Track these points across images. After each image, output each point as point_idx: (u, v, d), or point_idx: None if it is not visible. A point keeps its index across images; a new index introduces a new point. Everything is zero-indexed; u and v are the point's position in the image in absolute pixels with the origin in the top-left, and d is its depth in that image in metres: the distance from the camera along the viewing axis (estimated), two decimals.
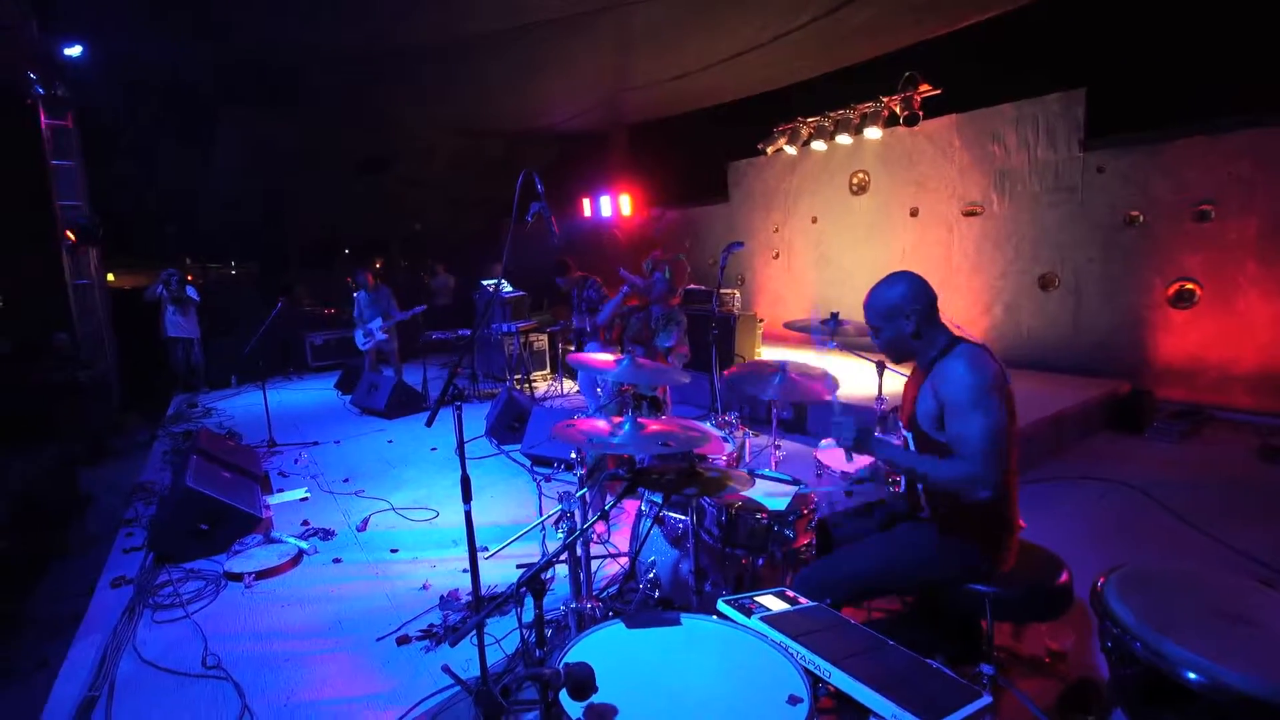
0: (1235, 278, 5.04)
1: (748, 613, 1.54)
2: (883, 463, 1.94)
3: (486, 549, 3.45)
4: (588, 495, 2.11)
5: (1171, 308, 5.38)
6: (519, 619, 1.71)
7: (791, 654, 1.37)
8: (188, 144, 8.61)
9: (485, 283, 8.41)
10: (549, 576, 2.91)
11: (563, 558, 2.22)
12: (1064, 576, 1.87)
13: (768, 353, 6.93)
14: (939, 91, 6.32)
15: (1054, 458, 4.59)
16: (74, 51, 6.55)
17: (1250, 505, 3.73)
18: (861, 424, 1.96)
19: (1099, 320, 5.80)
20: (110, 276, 10.11)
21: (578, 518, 2.01)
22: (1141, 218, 5.45)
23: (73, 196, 7.45)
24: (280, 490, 4.61)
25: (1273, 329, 4.91)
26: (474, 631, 1.74)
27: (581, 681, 1.04)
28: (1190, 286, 5.27)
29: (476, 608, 2.16)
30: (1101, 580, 1.42)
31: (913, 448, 1.96)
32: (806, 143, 7.52)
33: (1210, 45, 4.97)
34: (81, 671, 2.62)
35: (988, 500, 1.72)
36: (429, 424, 2.05)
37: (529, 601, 1.52)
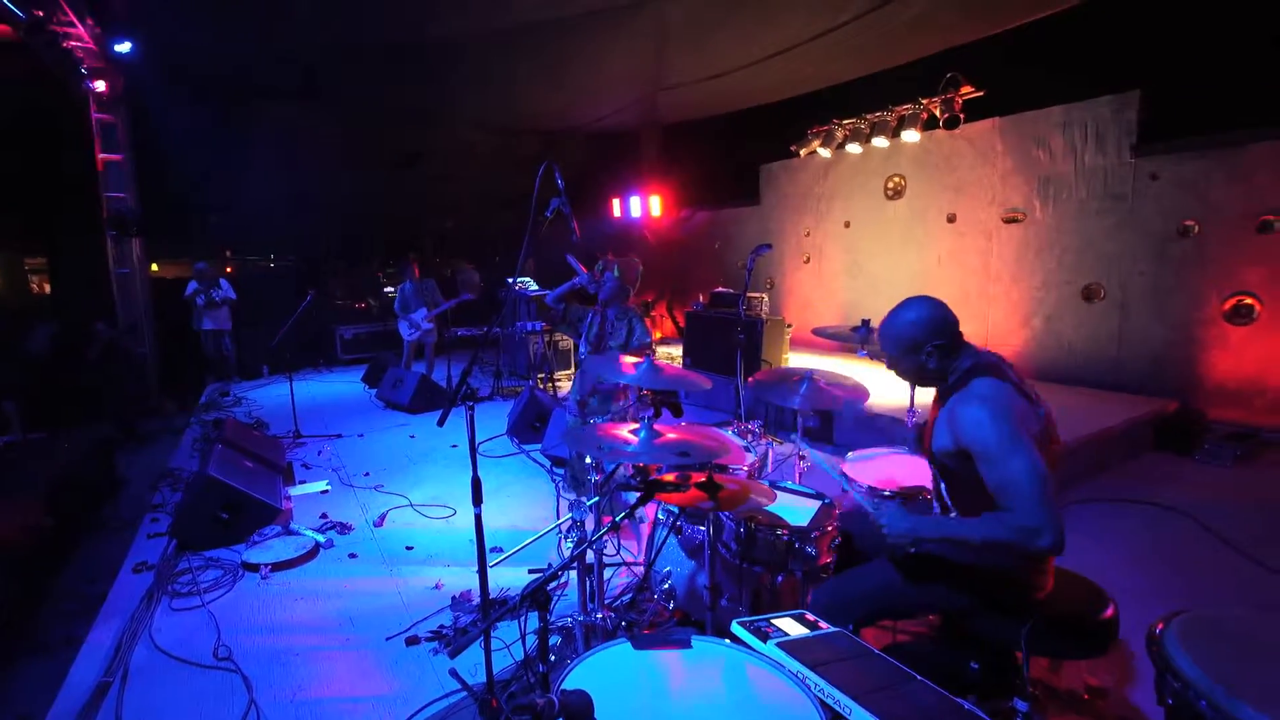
0: None
1: (764, 637, 1.45)
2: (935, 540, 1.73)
3: (501, 550, 3.41)
4: (601, 504, 2.04)
5: (1227, 323, 5.08)
6: (522, 632, 1.64)
7: (809, 686, 1.28)
8: (230, 137, 8.81)
9: (512, 280, 8.41)
10: (562, 581, 2.84)
11: (572, 566, 2.15)
12: (1109, 611, 1.72)
13: (795, 359, 6.78)
14: (982, 93, 6.09)
15: (1096, 478, 4.37)
16: (124, 48, 6.75)
17: None
18: (898, 514, 1.74)
19: (1147, 335, 5.52)
20: (154, 266, 10.41)
21: (588, 527, 1.94)
22: (1197, 228, 5.17)
23: (120, 188, 7.68)
24: (302, 482, 4.64)
25: None
26: (478, 640, 1.67)
27: (577, 712, 0.96)
28: (1249, 301, 4.96)
29: (484, 615, 2.11)
30: (1160, 626, 1.28)
31: (939, 478, 1.83)
32: (841, 145, 7.34)
33: (1275, 44, 4.67)
34: (99, 655, 2.65)
35: (1048, 549, 1.50)
36: (440, 423, 2.00)
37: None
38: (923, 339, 1.76)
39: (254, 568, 3.31)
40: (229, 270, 11.23)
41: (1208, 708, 1.03)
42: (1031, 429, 1.63)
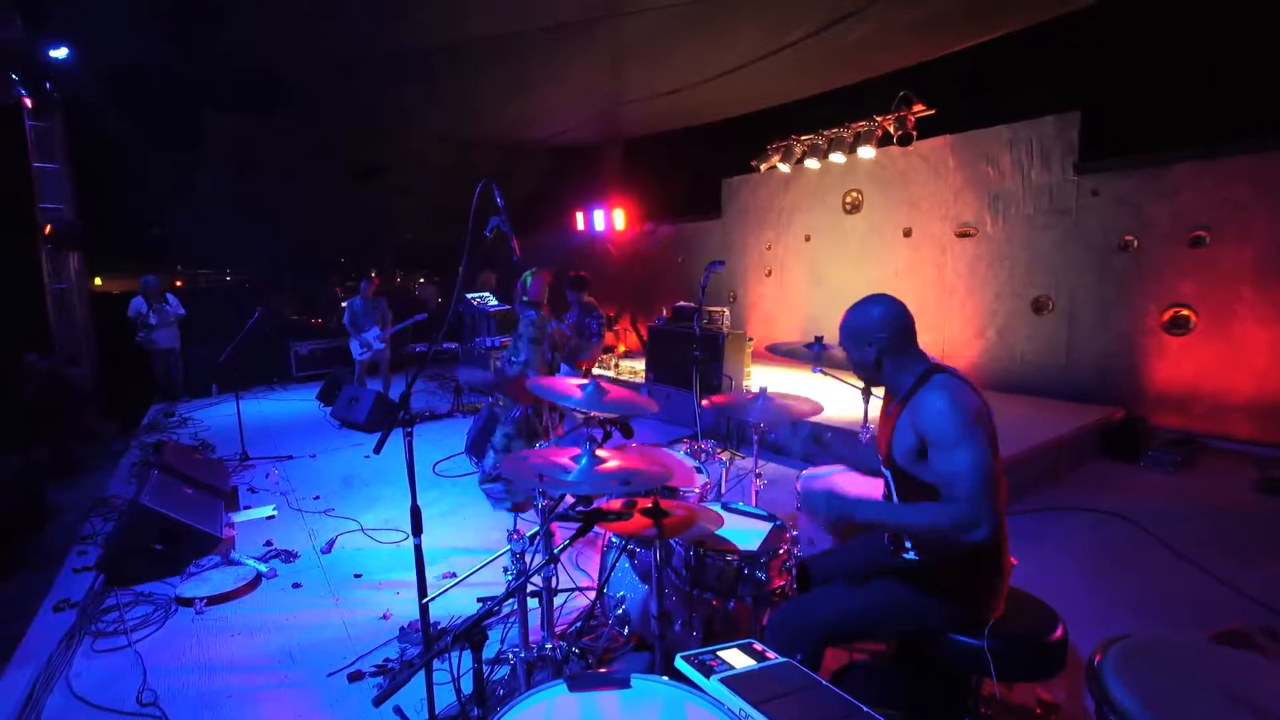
0: (1231, 304, 4.95)
1: (708, 671, 1.40)
2: (869, 524, 1.75)
3: (455, 574, 3.30)
4: (541, 534, 1.98)
5: (1166, 334, 5.28)
6: (453, 675, 1.56)
7: None
8: (177, 148, 8.51)
9: (470, 296, 8.29)
10: (514, 609, 2.75)
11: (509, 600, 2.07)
12: (1058, 631, 1.73)
13: (758, 373, 6.80)
14: (933, 112, 6.26)
15: (1047, 485, 4.47)
16: (60, 53, 6.46)
17: (1249, 540, 3.60)
18: (831, 496, 1.77)
19: (1093, 345, 5.70)
20: (97, 280, 9.95)
21: (527, 560, 1.87)
22: (1136, 242, 5.37)
23: (56, 199, 7.33)
24: (247, 507, 4.44)
25: (1270, 357, 4.80)
26: (417, 678, 1.59)
27: None
28: (1185, 313, 5.17)
29: (426, 647, 2.02)
30: (1099, 657, 1.28)
31: (893, 488, 1.82)
32: (800, 160, 7.45)
33: (1208, 70, 4.90)
34: (8, 705, 2.45)
35: (982, 541, 1.57)
36: (377, 450, 1.92)
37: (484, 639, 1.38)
38: (867, 331, 1.80)
39: (188, 602, 3.13)
40: (178, 284, 10.81)
41: None
42: (987, 426, 1.66)
